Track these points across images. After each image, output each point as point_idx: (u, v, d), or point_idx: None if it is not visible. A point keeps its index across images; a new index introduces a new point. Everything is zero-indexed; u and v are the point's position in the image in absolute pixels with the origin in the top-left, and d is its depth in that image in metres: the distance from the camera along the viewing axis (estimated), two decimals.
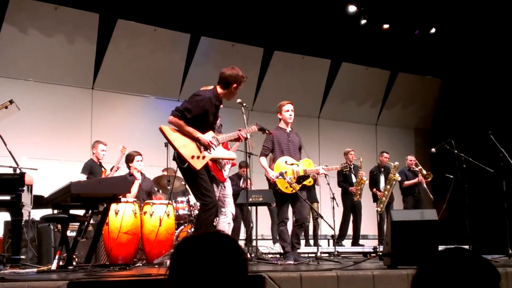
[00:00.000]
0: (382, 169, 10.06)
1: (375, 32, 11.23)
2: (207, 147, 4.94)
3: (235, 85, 5.00)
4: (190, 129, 4.89)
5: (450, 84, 13.19)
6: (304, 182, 6.12)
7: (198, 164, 4.84)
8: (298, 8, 10.38)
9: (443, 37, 11.54)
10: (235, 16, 10.32)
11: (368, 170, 10.13)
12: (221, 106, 5.32)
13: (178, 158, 4.88)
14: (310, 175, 6.17)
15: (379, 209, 9.77)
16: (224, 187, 5.89)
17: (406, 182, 9.92)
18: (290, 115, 6.22)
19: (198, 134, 4.91)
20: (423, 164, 10.30)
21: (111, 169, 7.52)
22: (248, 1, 10.08)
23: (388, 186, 9.77)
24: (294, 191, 5.95)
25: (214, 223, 5.54)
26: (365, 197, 10.00)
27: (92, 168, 7.50)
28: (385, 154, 10.19)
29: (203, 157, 4.88)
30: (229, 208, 5.83)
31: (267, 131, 5.87)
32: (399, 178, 9.77)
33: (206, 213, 4.83)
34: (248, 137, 5.56)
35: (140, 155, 7.33)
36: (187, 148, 4.86)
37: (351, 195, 9.75)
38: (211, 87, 5.35)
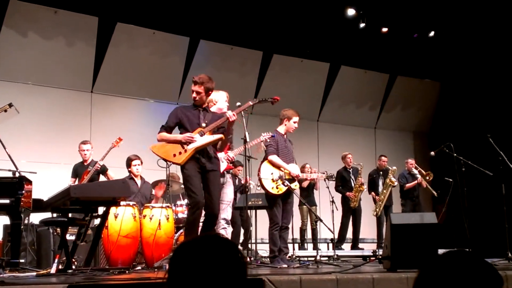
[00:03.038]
0: (381, 172, 10.07)
1: (374, 35, 11.24)
2: (188, 142, 5.11)
3: (194, 85, 5.20)
4: (171, 136, 5.21)
5: (449, 87, 13.20)
6: (291, 184, 6.17)
7: (179, 159, 5.11)
8: (297, 12, 10.38)
9: (442, 40, 11.55)
10: (234, 19, 10.32)
11: (367, 174, 10.13)
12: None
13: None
14: (296, 180, 6.28)
15: (374, 213, 9.78)
16: None
17: (408, 185, 9.92)
18: (296, 127, 6.43)
19: (178, 136, 5.17)
20: (423, 167, 10.31)
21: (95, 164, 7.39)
22: (247, 5, 10.09)
23: (385, 191, 9.79)
24: (280, 192, 6.04)
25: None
26: (363, 200, 9.98)
27: (77, 170, 7.64)
28: (383, 158, 10.22)
29: (185, 151, 5.11)
30: (221, 215, 5.82)
31: (269, 100, 5.95)
32: (396, 183, 9.80)
33: (188, 213, 5.24)
34: (235, 117, 5.32)
35: (139, 159, 7.29)
36: (169, 151, 5.14)
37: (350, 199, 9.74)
38: (221, 92, 5.72)
